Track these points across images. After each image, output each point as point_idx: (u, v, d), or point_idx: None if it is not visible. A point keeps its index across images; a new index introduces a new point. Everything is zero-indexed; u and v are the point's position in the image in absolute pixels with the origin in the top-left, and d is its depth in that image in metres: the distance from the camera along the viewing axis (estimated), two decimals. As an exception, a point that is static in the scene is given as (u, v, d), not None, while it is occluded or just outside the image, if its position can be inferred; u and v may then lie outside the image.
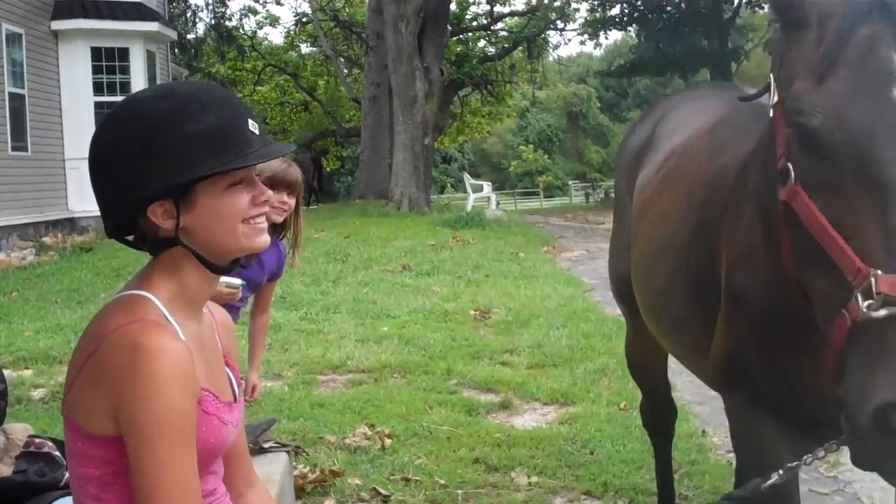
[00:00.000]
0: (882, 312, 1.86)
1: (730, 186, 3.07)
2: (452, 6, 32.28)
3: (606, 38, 41.29)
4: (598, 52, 66.53)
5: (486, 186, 32.08)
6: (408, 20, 25.19)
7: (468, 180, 32.00)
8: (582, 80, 69.89)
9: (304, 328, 10.08)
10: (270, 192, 2.10)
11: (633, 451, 5.90)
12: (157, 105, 1.97)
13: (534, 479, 5.75)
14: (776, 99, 2.19)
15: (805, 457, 2.38)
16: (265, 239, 2.09)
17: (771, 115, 2.21)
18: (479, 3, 36.67)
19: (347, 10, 38.75)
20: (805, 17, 2.18)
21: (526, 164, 66.80)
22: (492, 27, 36.71)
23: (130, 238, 2.09)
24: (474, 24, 36.60)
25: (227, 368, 2.24)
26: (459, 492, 5.52)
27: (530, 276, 14.00)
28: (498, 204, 33.07)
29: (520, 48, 36.37)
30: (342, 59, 38.86)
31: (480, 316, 10.84)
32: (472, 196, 28.51)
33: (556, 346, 9.20)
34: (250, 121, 2.03)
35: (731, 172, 3.12)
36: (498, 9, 36.08)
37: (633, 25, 37.03)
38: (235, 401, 2.21)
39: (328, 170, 47.26)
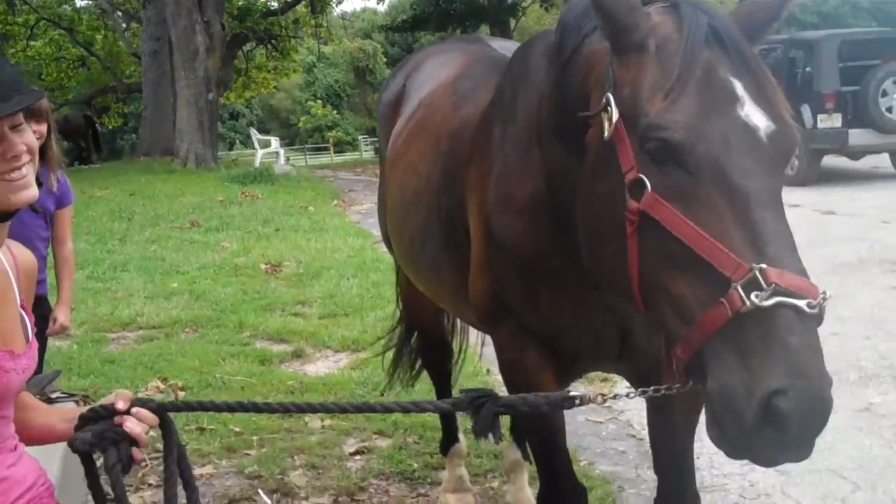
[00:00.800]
0: (773, 300, 1.96)
1: (472, 136, 3.28)
2: (233, -42, 31.65)
3: (389, -7, 41.33)
4: (381, 8, 66.29)
5: (275, 141, 31.74)
6: (186, -28, 24.57)
7: (255, 135, 31.61)
8: (367, 36, 69.60)
9: (90, 287, 9.87)
10: (21, 146, 2.04)
11: (421, 392, 6.10)
12: None
13: (327, 422, 5.92)
14: (616, 117, 2.25)
15: (597, 394, 2.42)
16: (25, 195, 2.07)
17: (607, 131, 2.28)
18: (262, -45, 36.02)
19: (124, -40, 37.31)
20: (643, 42, 2.28)
21: (315, 119, 66.22)
22: (275, -20, 36.11)
23: None
24: (256, -23, 35.91)
25: (21, 312, 2.26)
26: (254, 438, 5.64)
27: (320, 230, 14.09)
28: (287, 159, 32.80)
29: (303, 3, 35.92)
30: (119, 13, 37.41)
31: (272, 269, 10.89)
32: (261, 151, 28.20)
33: (346, 296, 9.36)
34: None
35: (473, 123, 3.32)
36: (280, -38, 35.57)
37: (415, -20, 37.23)
38: (28, 344, 2.24)
39: (110, 127, 45.59)
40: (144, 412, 2.24)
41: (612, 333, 2.97)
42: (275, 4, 36.22)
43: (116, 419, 2.20)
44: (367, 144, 54.15)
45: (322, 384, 6.64)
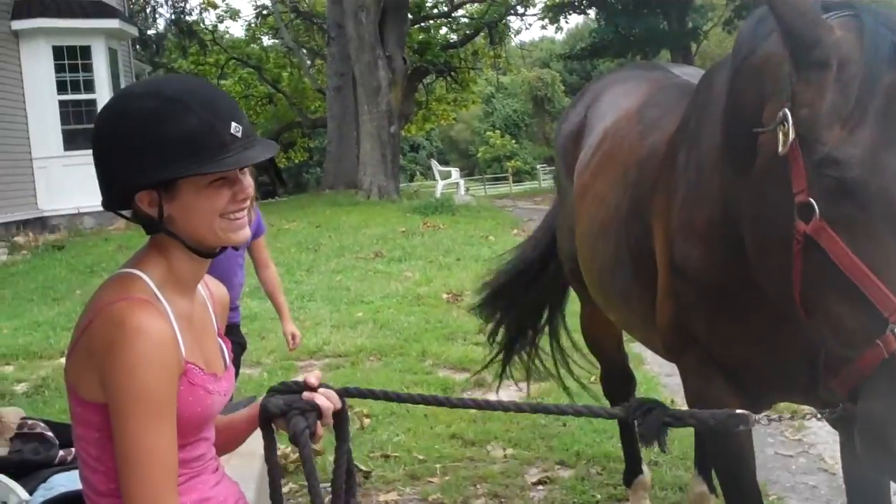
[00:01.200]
0: None
1: (659, 164, 3.26)
2: (413, -6, 32.32)
3: (567, 21, 41.47)
4: (559, 36, 66.59)
5: (455, 172, 32.12)
6: (368, 9, 25.17)
7: (436, 167, 32.04)
8: (545, 65, 69.91)
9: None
10: (251, 190, 2.17)
11: (604, 422, 6.05)
12: (144, 103, 2.06)
13: (509, 451, 5.93)
14: (793, 136, 2.22)
15: (773, 415, 2.50)
16: (243, 234, 2.18)
17: (781, 146, 2.25)
18: (440, -9, 36.71)
19: (307, 1, 38.66)
20: (826, 59, 2.21)
21: (494, 149, 66.82)
22: (453, 14, 36.74)
23: (126, 213, 2.20)
24: (435, 11, 36.62)
25: (219, 340, 2.37)
26: (438, 465, 5.68)
27: (501, 259, 14.09)
28: (467, 190, 33.14)
29: (482, 34, 36.39)
30: (304, 51, 38.80)
31: (453, 299, 10.98)
32: (441, 182, 28.56)
33: (527, 324, 9.33)
34: (234, 123, 2.10)
35: (659, 151, 3.31)
36: (459, -5, 36.15)
37: (593, 8, 37.13)
38: (227, 369, 2.35)
39: (297, 161, 47.13)
40: (331, 392, 2.34)
41: (800, 366, 2.87)
42: (454, 37, 36.89)
43: (305, 394, 2.29)
44: (545, 173, 54.18)
45: (504, 413, 6.62)
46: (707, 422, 2.41)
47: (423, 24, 36.57)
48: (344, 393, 2.39)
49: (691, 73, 4.17)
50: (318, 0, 37.94)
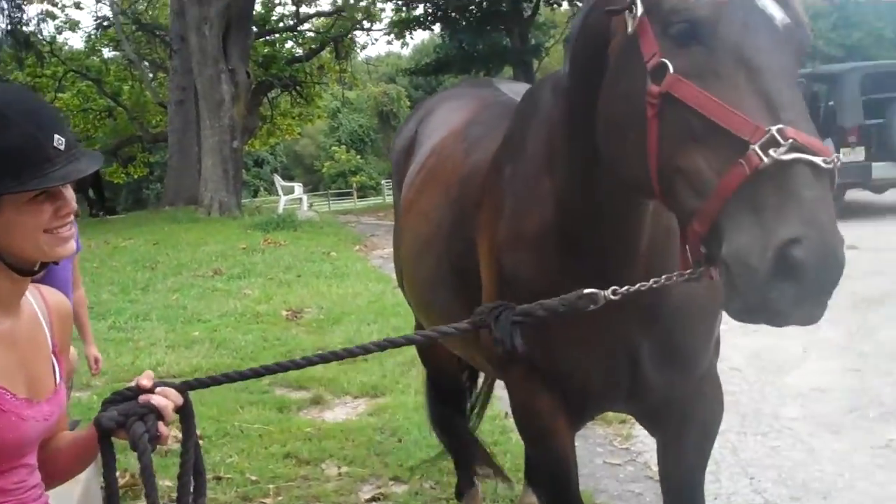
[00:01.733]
0: (791, 155, 2.03)
1: (482, 182, 3.33)
2: (257, 7, 31.97)
3: (412, 37, 41.61)
4: (405, 52, 66.99)
5: (298, 188, 31.95)
6: (211, 23, 24.85)
7: (279, 182, 31.82)
8: (391, 80, 70.15)
9: (112, 337, 9.94)
10: (74, 205, 2.13)
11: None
12: None
13: (344, 469, 5.93)
14: (641, 10, 2.35)
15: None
16: (69, 248, 2.14)
17: (630, 26, 2.38)
18: (285, 4, 36.47)
19: (150, 13, 37.84)
20: None
21: (339, 164, 66.65)
22: (298, 28, 36.56)
23: None
24: (280, 25, 36.35)
25: (52, 358, 2.30)
26: (271, 486, 5.64)
27: (342, 275, 14.13)
28: (311, 205, 32.98)
29: (327, 49, 36.31)
30: (146, 64, 37.97)
31: (293, 316, 10.92)
32: (284, 198, 28.38)
33: (366, 341, 9.31)
34: (56, 136, 2.05)
35: (483, 168, 3.37)
36: (304, 9, 35.97)
37: (438, 24, 37.44)
38: (56, 390, 2.28)
39: (136, 177, 46.01)
40: (169, 389, 2.26)
41: (621, 368, 2.98)
42: (300, 51, 36.68)
43: (141, 398, 2.21)
44: (390, 189, 54.09)
45: (340, 430, 6.64)
46: (556, 309, 2.49)
47: (268, 38, 36.27)
48: (185, 387, 2.32)
49: (518, 91, 4.27)
50: (162, 12, 37.18)
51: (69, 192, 2.11)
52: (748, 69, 2.18)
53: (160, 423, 2.20)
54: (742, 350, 7.99)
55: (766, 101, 2.13)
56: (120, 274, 14.18)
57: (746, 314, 2.13)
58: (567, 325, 2.78)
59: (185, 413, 2.31)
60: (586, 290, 2.48)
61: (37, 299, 2.31)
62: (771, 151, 2.03)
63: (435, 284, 3.76)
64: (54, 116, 2.14)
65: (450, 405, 5.20)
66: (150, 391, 2.22)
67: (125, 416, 2.18)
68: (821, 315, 2.09)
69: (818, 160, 2.02)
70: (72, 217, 2.13)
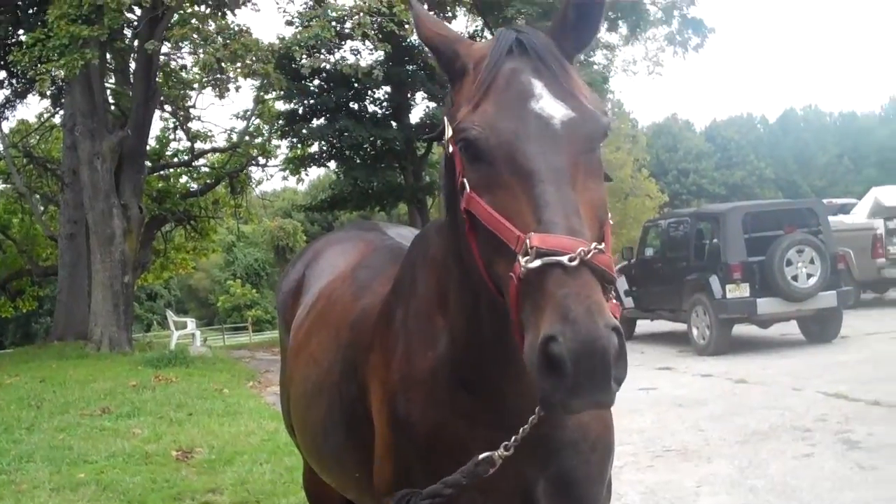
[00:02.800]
0: (536, 263, 2.17)
1: (374, 324, 3.34)
2: (152, 143, 31.97)
3: (307, 174, 41.86)
4: (301, 187, 67.41)
5: (191, 323, 31.50)
6: (103, 157, 24.76)
7: (171, 317, 31.33)
8: (288, 214, 70.45)
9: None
10: None
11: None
12: None
13: None
14: (449, 133, 2.54)
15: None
16: None
17: (445, 148, 2.58)
18: (180, 140, 36.49)
19: (42, 146, 37.45)
20: (464, 65, 2.61)
21: (234, 298, 66.19)
22: (193, 163, 36.53)
23: None
24: (175, 160, 36.30)
25: None
26: None
27: (234, 413, 13.85)
28: (204, 340, 32.48)
29: (223, 184, 36.32)
30: (37, 196, 37.43)
31: (183, 456, 10.62)
32: (176, 333, 27.90)
33: (259, 481, 9.15)
34: None
35: (372, 312, 3.39)
36: (199, 145, 36.01)
37: (333, 162, 37.87)
38: None
39: (25, 311, 44.93)
40: None
41: None
42: (194, 186, 36.56)
43: None
44: (287, 323, 53.87)
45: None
46: (460, 483, 2.56)
47: (162, 173, 36.14)
48: None
49: (405, 234, 4.33)
50: (54, 146, 36.87)
51: None
52: (519, 177, 2.33)
53: None
54: (636, 485, 8.03)
55: (532, 206, 2.28)
56: (3, 413, 13.68)
57: (543, 407, 2.27)
58: (464, 458, 2.76)
59: None
60: (481, 456, 2.58)
61: None
62: (523, 262, 2.20)
63: (327, 429, 3.71)
64: None
65: None
66: None
67: None
68: (608, 398, 2.16)
69: (564, 259, 2.14)
70: None
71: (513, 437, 2.61)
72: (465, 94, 2.55)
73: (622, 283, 21.24)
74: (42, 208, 37.51)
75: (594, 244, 2.19)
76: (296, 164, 36.58)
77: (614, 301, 2.33)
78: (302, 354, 4.06)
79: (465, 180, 2.46)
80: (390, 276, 3.37)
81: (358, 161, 35.80)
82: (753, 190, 74.81)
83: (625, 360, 2.16)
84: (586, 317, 2.09)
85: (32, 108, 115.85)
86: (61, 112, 32.68)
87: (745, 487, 7.89)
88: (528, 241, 2.21)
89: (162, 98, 29.48)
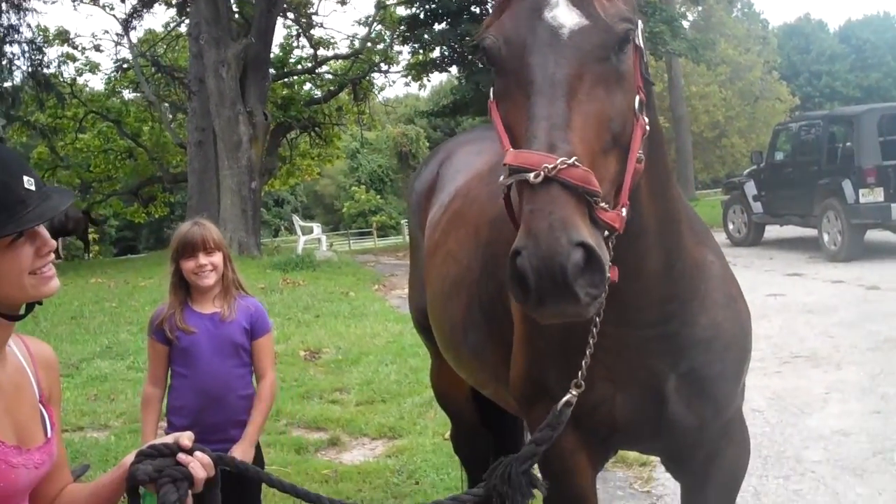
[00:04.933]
0: (509, 180, 2.22)
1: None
2: (275, 50, 32.23)
3: (429, 80, 41.73)
4: (423, 94, 67.33)
5: (317, 228, 32.03)
6: (228, 65, 25.08)
7: (298, 222, 31.88)
8: (410, 121, 70.55)
9: (131, 377, 9.91)
10: (53, 242, 2.12)
11: (456, 479, 6.05)
12: None
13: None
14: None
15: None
16: (54, 284, 2.13)
17: None
18: (303, 47, 36.75)
19: (169, 55, 38.11)
20: None
21: (359, 204, 66.92)
22: (316, 70, 36.79)
23: None
24: (298, 67, 36.61)
25: (41, 406, 2.27)
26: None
27: (360, 315, 14.10)
28: (330, 245, 33.03)
29: (346, 90, 36.53)
30: (166, 105, 38.23)
31: (310, 356, 10.89)
32: (303, 238, 28.42)
33: (384, 382, 9.33)
34: (26, 177, 2.04)
35: None
36: (322, 52, 36.22)
37: (454, 67, 37.59)
38: (47, 439, 2.25)
39: (157, 216, 46.30)
40: (206, 458, 2.23)
41: (648, 403, 2.96)
42: (318, 93, 36.88)
43: (180, 457, 2.20)
44: (409, 228, 54.39)
45: (357, 473, 6.59)
46: (551, 438, 2.60)
47: (286, 80, 36.51)
48: (219, 461, 2.29)
49: None
50: (181, 55, 37.53)
51: (45, 231, 2.11)
52: (521, 89, 2.32)
53: (189, 492, 2.21)
54: (763, 391, 7.91)
55: (524, 120, 2.27)
56: (139, 314, 14.16)
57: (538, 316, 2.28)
58: (592, 360, 2.76)
59: (212, 485, 2.29)
60: (560, 403, 2.64)
61: (20, 349, 2.29)
62: (500, 178, 2.27)
63: (465, 325, 3.75)
64: (18, 159, 2.13)
65: (470, 446, 5.16)
66: (189, 452, 2.21)
67: (159, 473, 2.17)
68: (576, 309, 2.16)
69: (528, 176, 2.14)
70: (52, 255, 2.12)
71: (580, 374, 2.65)
72: (496, 3, 2.53)
73: (751, 188, 20.73)
74: (171, 116, 38.37)
75: (562, 159, 2.14)
76: (418, 70, 36.47)
77: (609, 209, 2.24)
78: (439, 252, 4.08)
79: (492, 88, 2.48)
80: None
81: (480, 66, 35.42)
82: (890, 92, 71.73)
83: (598, 273, 2.13)
84: (547, 232, 2.10)
85: (159, 17, 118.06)
86: (187, 21, 33.13)
87: (877, 395, 7.71)
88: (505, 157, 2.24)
89: (284, 5, 29.63)
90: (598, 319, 2.63)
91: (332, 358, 10.82)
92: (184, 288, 4.41)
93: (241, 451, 4.25)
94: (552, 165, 2.13)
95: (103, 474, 2.41)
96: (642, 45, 2.51)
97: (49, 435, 2.27)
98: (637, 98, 2.44)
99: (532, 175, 2.14)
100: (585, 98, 2.29)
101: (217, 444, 4.03)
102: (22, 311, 2.14)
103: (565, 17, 2.35)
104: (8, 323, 2.13)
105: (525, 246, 2.11)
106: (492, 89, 2.48)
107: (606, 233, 2.23)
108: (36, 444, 2.20)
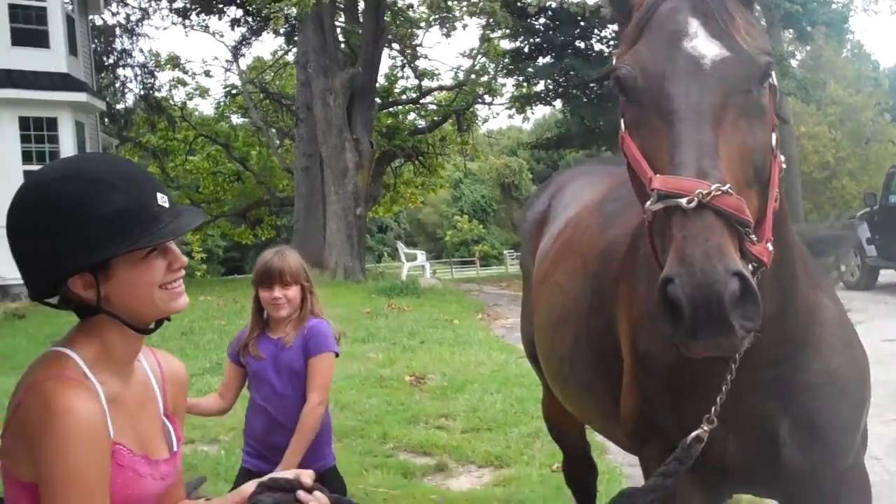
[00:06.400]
0: (658, 206, 2.15)
1: (622, 257, 3.29)
2: (381, 80, 32.59)
3: (533, 112, 41.74)
4: (526, 126, 67.39)
5: (420, 255, 32.23)
6: (336, 93, 25.45)
7: (402, 249, 32.14)
8: (513, 152, 70.59)
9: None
10: (184, 259, 2.16)
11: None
12: (63, 188, 2.01)
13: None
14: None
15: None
16: (183, 300, 2.17)
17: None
18: (408, 78, 37.06)
19: (277, 82, 38.94)
20: (630, 6, 2.58)
21: (461, 233, 67.19)
22: (421, 101, 37.09)
23: (54, 300, 2.14)
24: (403, 97, 36.95)
25: (165, 420, 2.30)
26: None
27: (465, 343, 14.07)
28: (433, 272, 33.17)
29: (449, 121, 36.72)
30: (273, 130, 38.97)
31: (416, 381, 10.88)
32: (407, 265, 28.60)
33: (490, 410, 9.27)
34: (159, 195, 2.08)
35: (621, 244, 3.35)
36: (426, 83, 36.51)
37: (559, 100, 37.53)
38: (173, 453, 2.27)
39: (264, 238, 47.11)
40: (324, 499, 2.24)
41: (760, 446, 2.88)
42: (422, 123, 37.17)
43: (301, 495, 2.20)
44: (512, 259, 54.33)
45: (465, 500, 6.53)
46: (678, 471, 2.57)
47: (391, 110, 36.87)
48: (336, 500, 2.30)
49: None
50: (288, 82, 38.25)
51: (177, 248, 2.16)
52: (661, 117, 2.28)
53: None
54: (882, 438, 7.63)
55: (667, 147, 2.23)
56: (246, 334, 14.35)
57: (685, 349, 2.21)
58: (703, 401, 2.70)
59: None
60: (690, 437, 2.60)
61: (150, 362, 2.33)
62: (647, 205, 2.21)
63: (572, 358, 3.71)
64: (152, 177, 2.18)
65: (581, 477, 5.10)
66: (309, 490, 2.22)
67: None
68: (730, 342, 2.09)
69: (682, 202, 2.09)
70: (182, 271, 2.16)
71: (713, 409, 2.60)
72: (627, 34, 2.52)
73: (864, 231, 20.20)
74: (278, 142, 39.04)
75: (716, 185, 2.10)
76: (521, 103, 36.47)
77: (756, 242, 2.19)
78: (548, 282, 4.05)
79: (622, 120, 2.45)
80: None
81: (584, 100, 35.34)
82: None
83: (752, 304, 2.07)
84: (703, 260, 2.05)
85: (267, 45, 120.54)
86: (294, 49, 33.77)
87: None
88: (652, 182, 2.19)
89: (390, 36, 29.98)
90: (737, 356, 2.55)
91: (437, 384, 10.80)
92: (262, 314, 4.46)
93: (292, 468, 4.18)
94: (706, 192, 2.09)
95: (217, 497, 2.43)
96: (776, 82, 2.47)
97: (175, 449, 2.29)
98: (773, 135, 2.41)
99: (685, 200, 2.09)
100: (730, 128, 2.27)
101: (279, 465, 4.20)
102: (152, 326, 2.17)
103: (706, 47, 2.35)
104: (138, 336, 2.16)
105: (679, 273, 2.06)
106: (622, 120, 2.45)
107: (751, 266, 2.17)
108: (161, 457, 2.22)
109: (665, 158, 2.22)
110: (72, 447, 1.91)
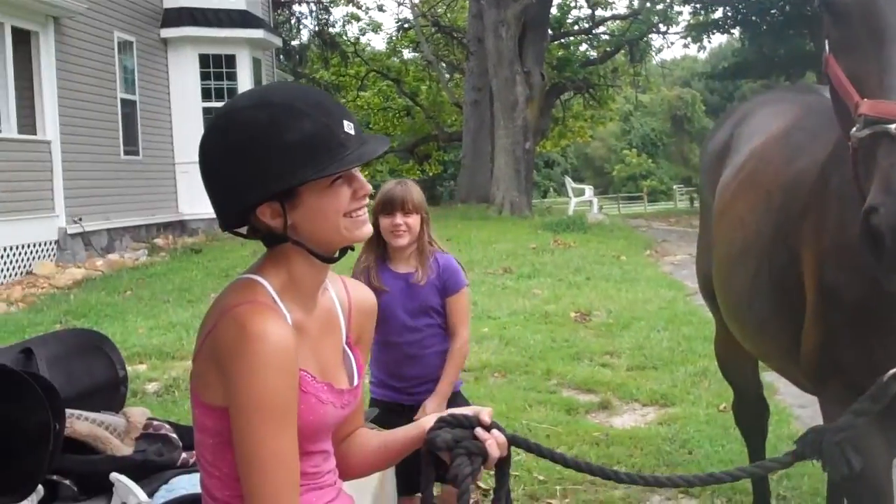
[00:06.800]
0: (864, 132, 2.08)
1: (809, 189, 3.15)
2: (553, 10, 32.22)
3: (710, 41, 40.67)
4: (701, 55, 65.54)
5: (588, 190, 31.98)
6: (508, 25, 25.27)
7: (570, 184, 31.93)
8: (686, 84, 69.03)
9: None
10: (369, 187, 2.17)
11: (731, 452, 5.89)
12: (255, 115, 2.05)
13: (633, 475, 5.78)
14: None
15: None
16: (367, 229, 2.18)
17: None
18: (581, 7, 36.57)
19: (449, 15, 38.96)
20: None
21: (630, 168, 66.34)
22: (593, 31, 36.57)
23: (243, 230, 2.19)
24: (575, 28, 36.50)
25: (347, 349, 2.34)
26: (558, 487, 5.59)
27: (631, 280, 13.96)
28: (600, 208, 32.92)
29: (622, 52, 36.12)
30: (444, 65, 39.14)
31: (581, 318, 10.86)
32: (574, 200, 28.44)
33: (656, 348, 9.18)
34: (345, 122, 2.10)
35: (809, 176, 3.20)
36: (599, 12, 35.96)
37: (737, 28, 36.38)
38: (354, 384, 2.31)
39: (431, 174, 47.62)
40: (501, 437, 2.23)
41: None
42: (594, 54, 36.70)
43: (479, 433, 2.20)
44: (682, 194, 53.43)
45: (628, 437, 6.51)
46: (871, 411, 2.43)
47: (562, 41, 36.51)
48: (512, 441, 2.28)
49: None
50: (460, 15, 38.24)
51: (361, 176, 2.16)
52: (871, 37, 2.18)
53: (482, 468, 2.21)
54: None
55: (877, 70, 2.13)
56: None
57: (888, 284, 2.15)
58: (888, 343, 2.59)
59: (504, 463, 2.28)
60: (888, 375, 2.43)
61: (338, 289, 2.35)
62: (854, 131, 2.13)
63: (752, 295, 3.59)
64: (339, 104, 2.18)
65: (753, 418, 5.00)
66: (487, 429, 2.21)
67: (457, 443, 2.19)
68: None
69: (891, 128, 2.01)
70: (367, 200, 2.16)
71: None
72: None
73: None
74: (448, 76, 39.23)
75: None
76: (698, 31, 35.62)
77: None
78: (728, 215, 3.92)
79: (826, 42, 2.38)
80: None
81: (764, 27, 34.17)
82: None
83: None
84: None
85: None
86: (467, -19, 33.67)
87: None
88: (859, 107, 2.10)
89: (564, -35, 29.57)
90: None
91: (602, 321, 10.75)
92: (381, 244, 4.45)
93: (434, 406, 4.29)
94: None
95: (398, 428, 2.44)
96: None
97: (356, 382, 2.33)
98: None
99: (894, 127, 2.02)
100: None
101: (415, 396, 4.30)
102: (336, 255, 2.20)
103: None
104: (323, 266, 2.19)
105: (883, 203, 1.99)
106: (826, 42, 2.38)
107: None
108: (341, 385, 2.26)
109: (874, 82, 2.15)
110: (265, 370, 1.96)
